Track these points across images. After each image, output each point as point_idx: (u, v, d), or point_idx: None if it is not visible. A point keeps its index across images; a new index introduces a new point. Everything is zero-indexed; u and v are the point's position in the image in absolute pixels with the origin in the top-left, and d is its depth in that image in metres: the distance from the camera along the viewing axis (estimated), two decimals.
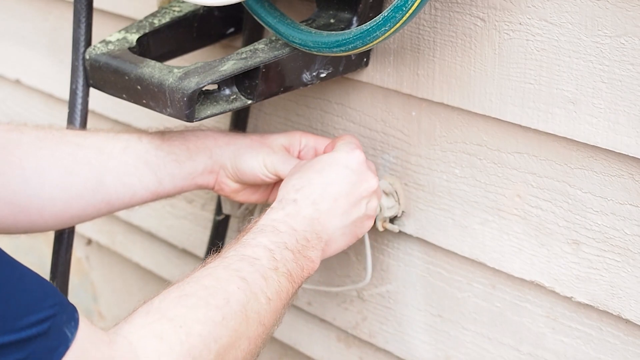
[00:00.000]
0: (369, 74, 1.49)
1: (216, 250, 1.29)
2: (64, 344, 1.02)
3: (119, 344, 1.08)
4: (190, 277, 1.20)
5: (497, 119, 1.36)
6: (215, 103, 1.39)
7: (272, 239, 1.28)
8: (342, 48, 1.31)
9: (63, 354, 1.02)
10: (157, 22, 1.53)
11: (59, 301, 1.04)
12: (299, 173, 1.37)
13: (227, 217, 1.77)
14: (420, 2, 1.21)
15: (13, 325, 0.99)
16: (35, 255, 2.52)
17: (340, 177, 1.36)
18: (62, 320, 1.03)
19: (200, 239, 1.93)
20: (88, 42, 1.50)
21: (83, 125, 1.51)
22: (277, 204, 1.34)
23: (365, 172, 1.38)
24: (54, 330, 1.02)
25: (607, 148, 1.26)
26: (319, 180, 1.35)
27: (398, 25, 1.24)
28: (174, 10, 1.56)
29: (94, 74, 1.47)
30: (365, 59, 1.48)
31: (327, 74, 1.44)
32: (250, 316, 1.19)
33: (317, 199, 1.34)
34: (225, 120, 1.72)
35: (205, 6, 1.55)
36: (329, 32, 1.34)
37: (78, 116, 1.51)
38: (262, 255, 1.25)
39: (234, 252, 1.26)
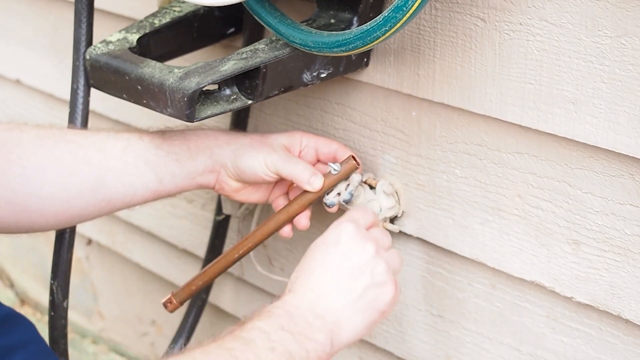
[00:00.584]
0: (369, 74, 1.49)
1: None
2: None
3: None
4: (184, 353, 1.18)
5: (498, 119, 1.36)
6: (215, 103, 1.39)
7: (267, 322, 1.24)
8: (343, 48, 1.31)
9: None
10: (157, 22, 1.54)
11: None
12: (298, 266, 1.34)
13: (228, 217, 1.77)
14: (421, 2, 1.21)
15: None
16: (36, 255, 2.53)
17: (331, 255, 1.32)
18: None
19: (200, 239, 1.93)
20: (89, 42, 1.50)
21: (84, 125, 1.52)
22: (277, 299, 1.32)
23: (357, 242, 1.33)
24: None
25: (607, 148, 1.26)
26: (313, 265, 1.32)
27: (398, 25, 1.24)
28: (174, 11, 1.56)
29: (95, 74, 1.47)
30: (365, 59, 1.48)
31: (327, 74, 1.44)
32: None
33: (313, 284, 1.31)
34: (225, 120, 1.72)
35: (205, 6, 1.55)
36: (330, 32, 1.34)
37: (79, 116, 1.51)
38: (256, 336, 1.22)
39: (229, 333, 1.23)
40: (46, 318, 2.44)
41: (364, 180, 1.49)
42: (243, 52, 1.39)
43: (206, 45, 1.62)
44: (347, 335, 1.30)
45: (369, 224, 1.39)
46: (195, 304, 1.81)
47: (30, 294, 2.55)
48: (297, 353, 1.23)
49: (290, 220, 1.46)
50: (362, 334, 1.32)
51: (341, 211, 1.47)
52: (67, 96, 1.53)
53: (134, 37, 1.49)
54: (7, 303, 1.07)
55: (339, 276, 1.31)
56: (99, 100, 1.63)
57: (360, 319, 1.31)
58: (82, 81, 1.50)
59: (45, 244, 2.45)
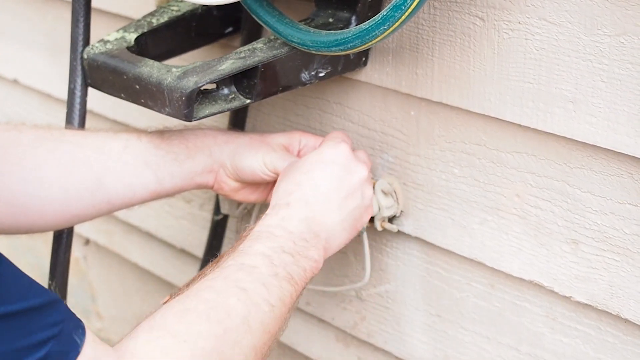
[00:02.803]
0: (368, 74, 1.49)
1: (214, 258, 1.28)
2: (74, 349, 1.02)
3: (126, 358, 1.08)
4: (190, 290, 1.20)
5: (496, 118, 1.36)
6: (213, 102, 1.38)
7: (269, 244, 1.28)
8: (341, 47, 1.31)
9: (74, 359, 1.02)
10: (155, 21, 1.53)
11: (65, 309, 1.04)
12: (288, 177, 1.37)
13: (226, 217, 1.77)
14: (419, 1, 1.21)
15: (32, 326, 0.99)
16: (34, 255, 2.52)
17: (328, 173, 1.36)
18: (70, 327, 1.03)
19: (198, 238, 1.93)
20: (86, 42, 1.49)
21: (81, 125, 1.51)
22: (270, 210, 1.34)
23: (352, 164, 1.38)
24: (64, 334, 1.02)
25: (606, 147, 1.26)
26: (309, 182, 1.35)
27: (397, 24, 1.23)
28: (172, 10, 1.55)
29: (92, 73, 1.47)
30: (363, 59, 1.48)
31: (325, 74, 1.44)
32: (253, 326, 1.19)
33: (310, 199, 1.34)
34: (223, 120, 1.71)
35: (203, 5, 1.55)
36: (328, 31, 1.34)
37: (76, 116, 1.51)
38: (260, 263, 1.25)
39: (232, 261, 1.25)
40: None
41: None
42: (241, 52, 1.39)
43: (204, 45, 1.61)
44: (332, 251, 1.37)
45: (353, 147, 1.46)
46: None
47: None
48: (297, 274, 1.28)
49: None
50: (340, 248, 1.38)
51: None
52: (64, 96, 1.52)
53: (131, 37, 1.49)
54: None
55: (334, 194, 1.36)
56: (97, 99, 1.63)
57: (344, 237, 1.38)
58: (79, 81, 1.49)
59: (43, 243, 2.44)
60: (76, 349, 1.02)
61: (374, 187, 1.49)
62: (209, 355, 1.12)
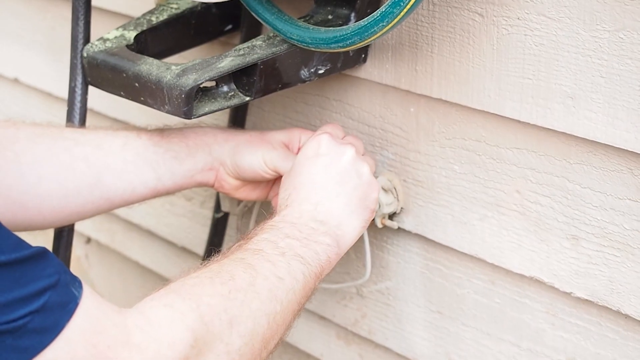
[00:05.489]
0: (367, 71, 1.49)
1: (216, 251, 1.29)
2: (73, 301, 1.02)
3: (129, 313, 1.08)
4: (198, 270, 1.21)
5: (496, 114, 1.36)
6: (213, 100, 1.38)
7: (272, 233, 1.29)
8: (340, 44, 1.31)
9: (73, 310, 1.01)
10: (154, 19, 1.53)
11: (59, 262, 1.05)
12: (284, 185, 1.38)
13: (226, 215, 1.77)
14: None
15: (27, 276, 0.99)
16: None
17: (315, 166, 1.37)
18: (67, 279, 1.03)
19: (199, 236, 1.93)
20: (86, 40, 1.50)
21: (82, 123, 1.51)
22: (274, 215, 1.35)
23: (336, 149, 1.38)
24: (61, 285, 1.02)
25: (606, 143, 1.26)
26: (301, 180, 1.36)
27: (396, 20, 1.23)
28: (171, 8, 1.55)
29: (92, 71, 1.47)
30: (363, 55, 1.48)
31: (325, 71, 1.44)
32: (261, 292, 1.19)
33: (307, 195, 1.35)
34: (223, 117, 1.71)
35: (203, 3, 1.55)
36: (327, 28, 1.34)
37: (77, 114, 1.51)
38: (264, 246, 1.26)
39: (236, 247, 1.27)
40: None
41: None
42: (240, 49, 1.39)
43: (204, 42, 1.61)
44: (349, 235, 1.36)
45: (341, 136, 1.45)
46: None
47: None
48: (307, 255, 1.28)
49: None
50: (360, 233, 1.38)
51: None
52: (65, 94, 1.52)
53: (131, 35, 1.49)
54: None
55: (328, 183, 1.36)
56: (97, 98, 1.63)
57: (356, 218, 1.37)
58: (79, 79, 1.49)
59: (44, 242, 2.44)
60: (75, 300, 1.02)
61: None
62: (215, 312, 1.13)
